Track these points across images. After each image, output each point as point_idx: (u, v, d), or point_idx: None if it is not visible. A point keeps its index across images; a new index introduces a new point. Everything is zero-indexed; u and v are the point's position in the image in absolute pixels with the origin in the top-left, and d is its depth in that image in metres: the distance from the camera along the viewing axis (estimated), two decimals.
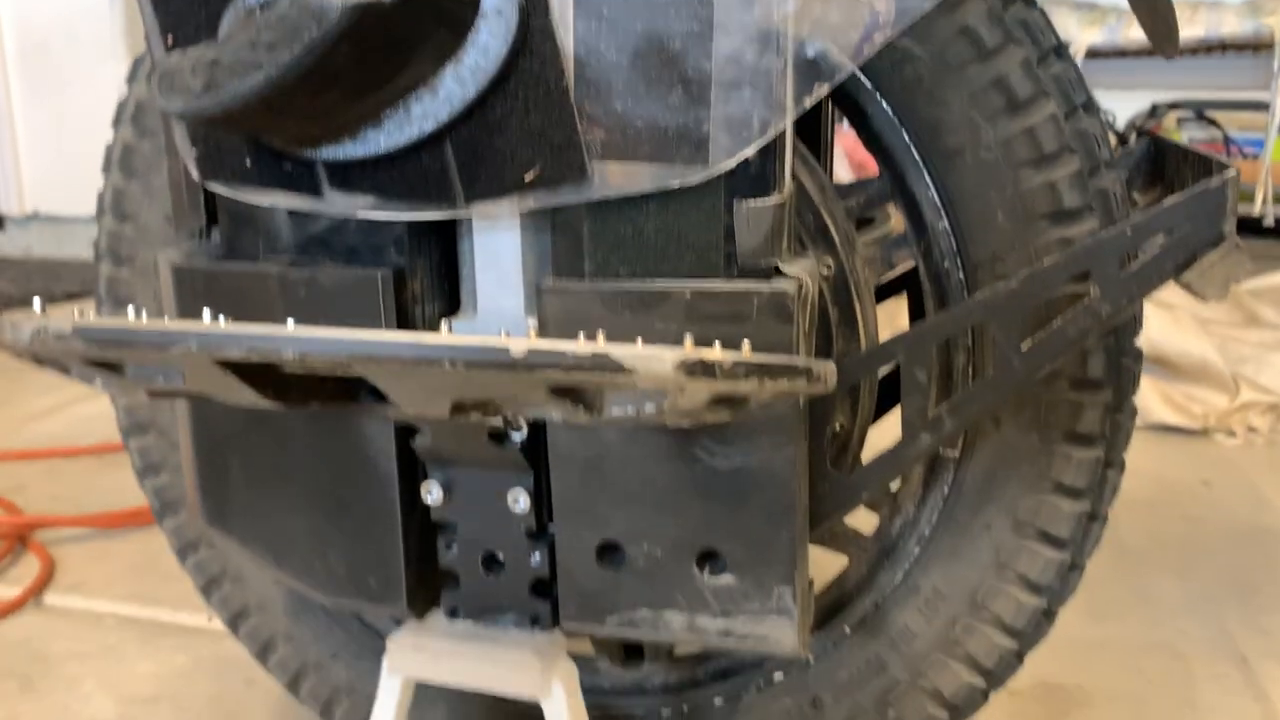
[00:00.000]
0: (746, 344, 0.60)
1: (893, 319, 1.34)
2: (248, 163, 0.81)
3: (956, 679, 0.91)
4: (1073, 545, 0.87)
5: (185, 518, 1.08)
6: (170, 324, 0.58)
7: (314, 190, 0.80)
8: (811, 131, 1.12)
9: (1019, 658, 0.91)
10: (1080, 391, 0.84)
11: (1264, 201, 2.75)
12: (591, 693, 1.03)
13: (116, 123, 1.03)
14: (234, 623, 1.10)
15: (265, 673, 1.12)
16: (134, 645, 1.43)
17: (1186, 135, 4.42)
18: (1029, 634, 0.89)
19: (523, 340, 0.55)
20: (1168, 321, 2.30)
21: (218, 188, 0.83)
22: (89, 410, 2.41)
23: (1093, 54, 3.32)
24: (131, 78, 1.02)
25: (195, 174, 0.83)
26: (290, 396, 0.65)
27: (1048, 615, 0.90)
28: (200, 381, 0.63)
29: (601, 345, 0.56)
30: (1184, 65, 4.37)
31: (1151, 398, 2.27)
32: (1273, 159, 3.02)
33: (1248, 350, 2.42)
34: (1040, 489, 0.86)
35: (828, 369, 0.62)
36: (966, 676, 0.91)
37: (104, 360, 0.63)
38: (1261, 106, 3.72)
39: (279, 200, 0.81)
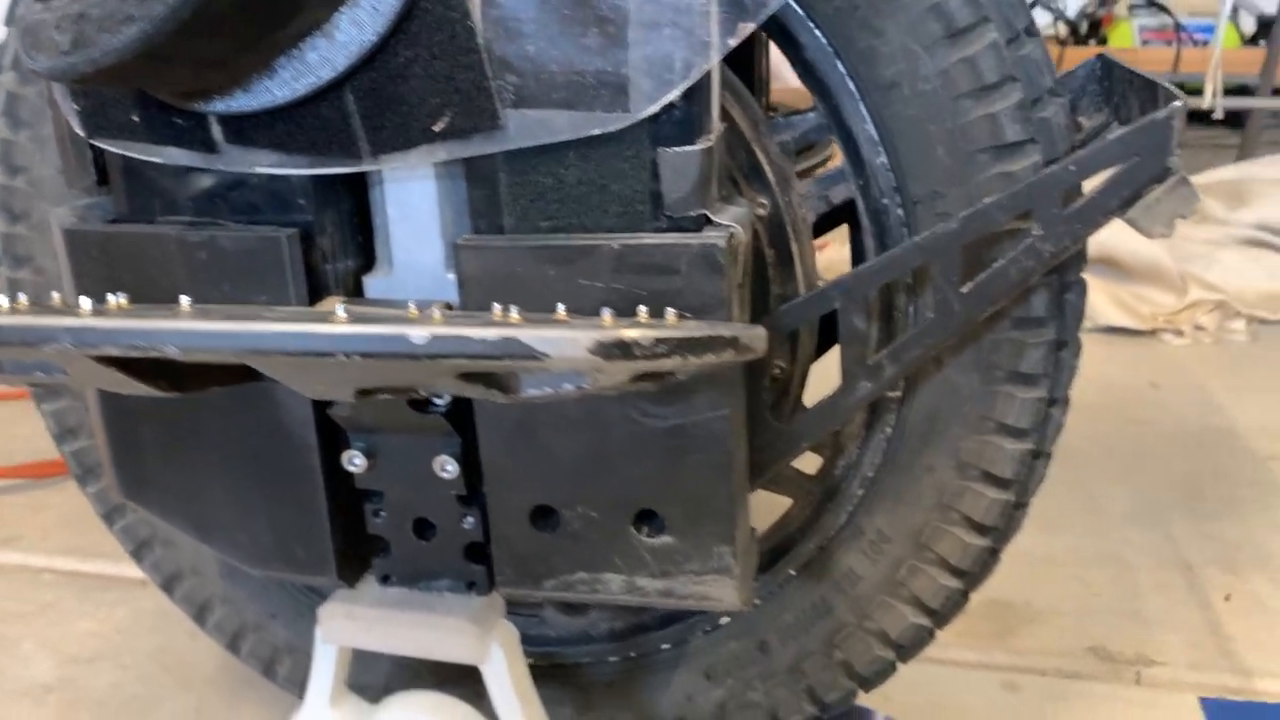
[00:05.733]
0: (671, 313, 0.57)
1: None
2: (135, 117, 0.75)
3: (902, 620, 0.90)
4: (1017, 485, 0.85)
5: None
6: (40, 318, 0.53)
7: (208, 146, 0.75)
8: (744, 60, 1.07)
9: (965, 596, 0.90)
10: (1023, 330, 0.81)
11: (1214, 94, 2.69)
12: (538, 642, 1.02)
13: None
14: (168, 586, 1.07)
15: None
16: (73, 602, 1.40)
17: (1137, 23, 4.37)
18: (974, 574, 0.88)
19: (424, 328, 0.51)
20: (1118, 221, 2.28)
21: (105, 144, 0.77)
22: None
23: None
24: (10, 19, 0.94)
25: (79, 130, 0.77)
26: (185, 384, 0.61)
27: (993, 554, 0.89)
28: (84, 376, 0.58)
29: (512, 328, 0.52)
30: None
31: (1100, 299, 2.26)
32: (1224, 47, 2.97)
33: (1196, 248, 2.41)
34: (983, 430, 0.84)
35: (756, 336, 0.58)
36: (912, 617, 0.90)
37: None
38: None
39: (171, 157, 0.75)
